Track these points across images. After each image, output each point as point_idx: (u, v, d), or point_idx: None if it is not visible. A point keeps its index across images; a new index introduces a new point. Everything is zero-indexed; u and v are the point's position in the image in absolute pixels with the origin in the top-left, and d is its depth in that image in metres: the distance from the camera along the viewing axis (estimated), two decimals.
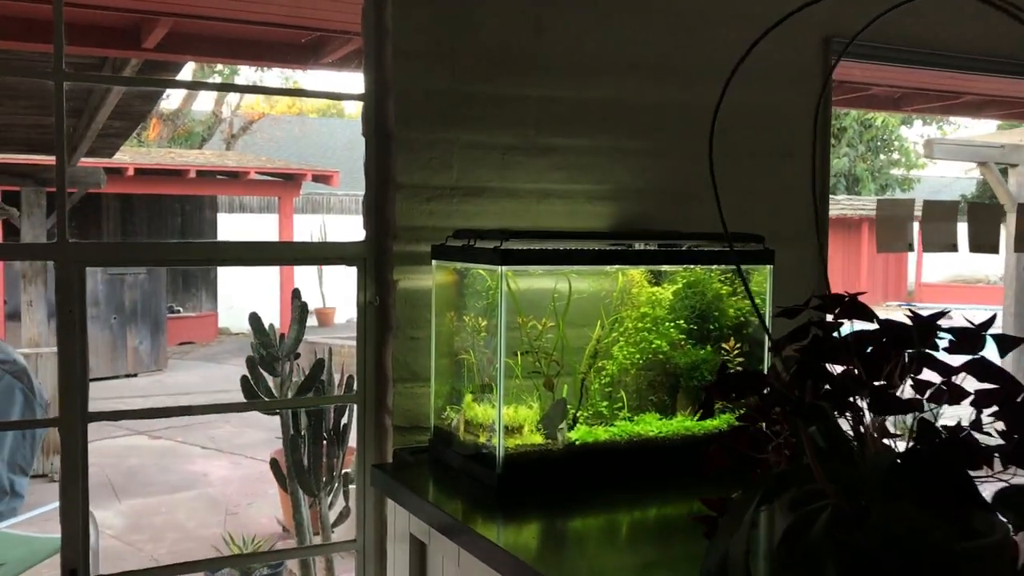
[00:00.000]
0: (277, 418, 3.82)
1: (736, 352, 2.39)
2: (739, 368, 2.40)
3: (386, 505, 2.44)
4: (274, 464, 3.89)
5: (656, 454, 2.28)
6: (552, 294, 2.30)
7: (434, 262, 2.39)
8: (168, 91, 21.19)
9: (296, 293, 3.72)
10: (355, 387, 2.51)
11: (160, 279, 14.01)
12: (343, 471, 3.87)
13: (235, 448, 8.98)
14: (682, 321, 2.39)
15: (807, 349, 1.54)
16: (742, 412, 1.79)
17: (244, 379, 3.71)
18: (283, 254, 2.42)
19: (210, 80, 20.60)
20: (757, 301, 2.42)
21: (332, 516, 3.91)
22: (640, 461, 2.26)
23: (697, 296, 2.40)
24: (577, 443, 2.20)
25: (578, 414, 2.30)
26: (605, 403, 2.33)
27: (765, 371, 2.05)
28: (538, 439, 2.18)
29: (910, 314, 1.40)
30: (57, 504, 4.84)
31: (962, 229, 3.61)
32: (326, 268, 14.72)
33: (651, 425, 2.30)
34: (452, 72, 2.51)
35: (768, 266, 2.40)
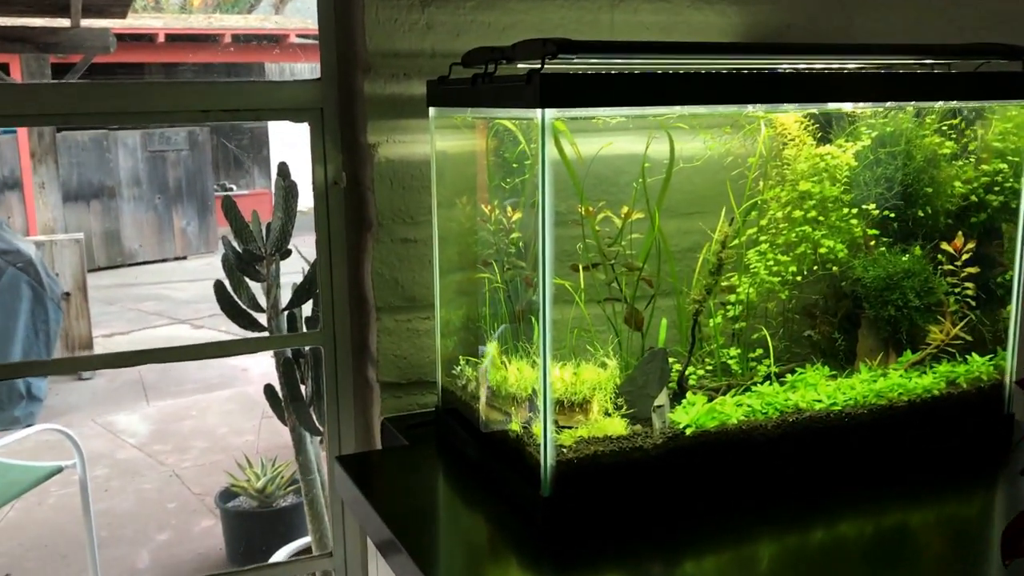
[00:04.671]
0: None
1: (967, 257, 1.36)
2: (968, 289, 1.37)
3: None
4: (269, 392, 3.01)
5: (829, 441, 1.29)
6: (641, 164, 1.29)
7: (432, 110, 1.38)
8: None
9: (282, 169, 2.74)
10: (319, 323, 1.55)
11: (205, 155, 13.19)
12: None
13: None
14: (872, 205, 1.35)
15: None
16: None
17: (218, 285, 2.79)
18: (190, 103, 1.43)
19: None
20: (1006, 164, 1.36)
21: None
22: (804, 456, 1.28)
23: (899, 160, 1.35)
24: (689, 431, 1.21)
25: (687, 373, 1.31)
26: (735, 352, 1.34)
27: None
28: (618, 426, 1.20)
29: None
30: (45, 426, 4.10)
31: None
32: None
33: (818, 390, 1.30)
34: None
35: None
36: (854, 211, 1.33)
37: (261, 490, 4.10)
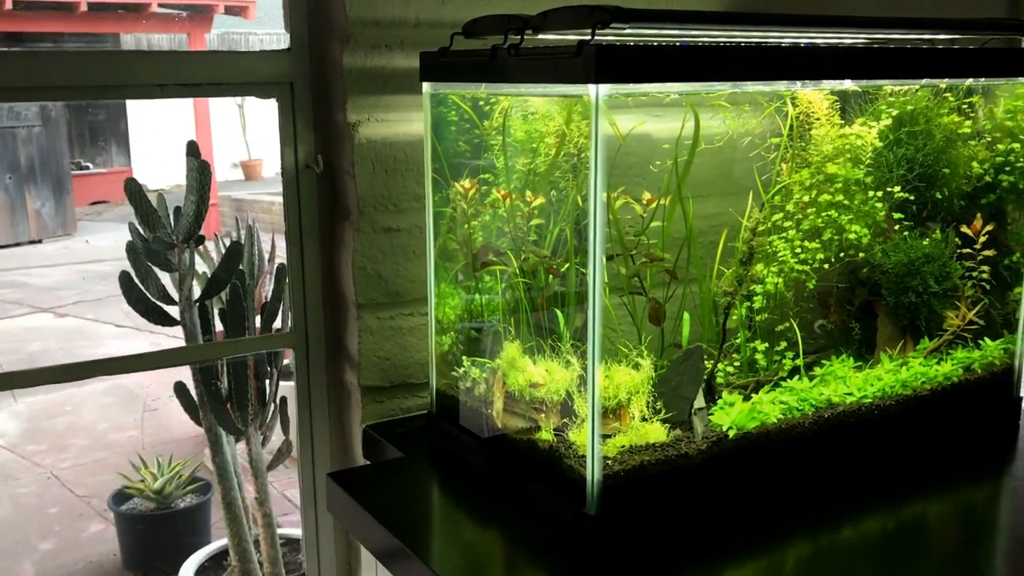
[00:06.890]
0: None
1: (984, 239, 1.32)
2: (984, 272, 1.33)
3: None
4: (180, 390, 2.78)
5: (860, 435, 1.24)
6: (659, 145, 1.19)
7: (426, 86, 1.24)
8: None
9: (191, 148, 2.51)
10: (289, 322, 1.40)
11: (60, 131, 12.40)
12: (279, 396, 2.78)
13: (154, 326, 7.80)
14: (897, 188, 1.29)
15: None
16: None
17: (124, 276, 2.55)
18: (144, 76, 1.24)
19: None
20: (1018, 143, 1.33)
21: (267, 457, 2.87)
22: (839, 452, 1.22)
23: (920, 140, 1.30)
24: (732, 433, 1.13)
25: (716, 369, 1.23)
26: (762, 346, 1.26)
27: None
28: (658, 432, 1.10)
29: None
30: None
31: None
32: (248, 104, 13.03)
33: (847, 382, 1.24)
34: None
35: None
36: (878, 194, 1.27)
37: (159, 491, 3.84)
